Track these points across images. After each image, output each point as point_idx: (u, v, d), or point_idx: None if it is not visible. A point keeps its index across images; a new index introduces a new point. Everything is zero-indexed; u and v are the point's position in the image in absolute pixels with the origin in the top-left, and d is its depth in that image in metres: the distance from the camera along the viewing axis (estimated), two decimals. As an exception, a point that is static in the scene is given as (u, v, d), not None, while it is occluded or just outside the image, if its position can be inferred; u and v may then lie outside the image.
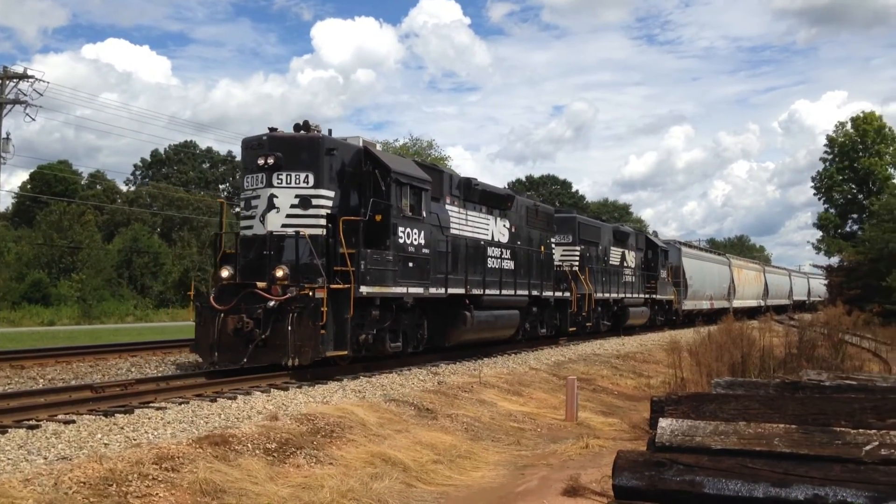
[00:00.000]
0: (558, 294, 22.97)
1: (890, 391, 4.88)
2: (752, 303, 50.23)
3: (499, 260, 19.12)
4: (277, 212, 13.49)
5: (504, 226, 19.81)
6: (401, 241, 14.61)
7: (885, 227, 45.82)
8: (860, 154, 62.64)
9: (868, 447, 3.77)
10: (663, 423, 4.18)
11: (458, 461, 9.51)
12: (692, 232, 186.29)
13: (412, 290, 15.00)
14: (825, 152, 65.56)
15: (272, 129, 14.08)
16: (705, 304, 41.08)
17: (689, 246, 44.56)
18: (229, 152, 75.69)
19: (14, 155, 38.90)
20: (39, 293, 44.70)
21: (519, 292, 20.02)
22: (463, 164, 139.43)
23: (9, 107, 37.86)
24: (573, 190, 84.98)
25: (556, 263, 23.77)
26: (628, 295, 30.11)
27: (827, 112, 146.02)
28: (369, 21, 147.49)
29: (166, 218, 61.28)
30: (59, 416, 9.18)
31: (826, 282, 56.92)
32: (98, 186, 67.12)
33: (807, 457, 3.79)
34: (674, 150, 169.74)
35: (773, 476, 3.65)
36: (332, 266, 13.30)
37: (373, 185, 14.33)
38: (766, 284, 55.44)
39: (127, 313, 43.36)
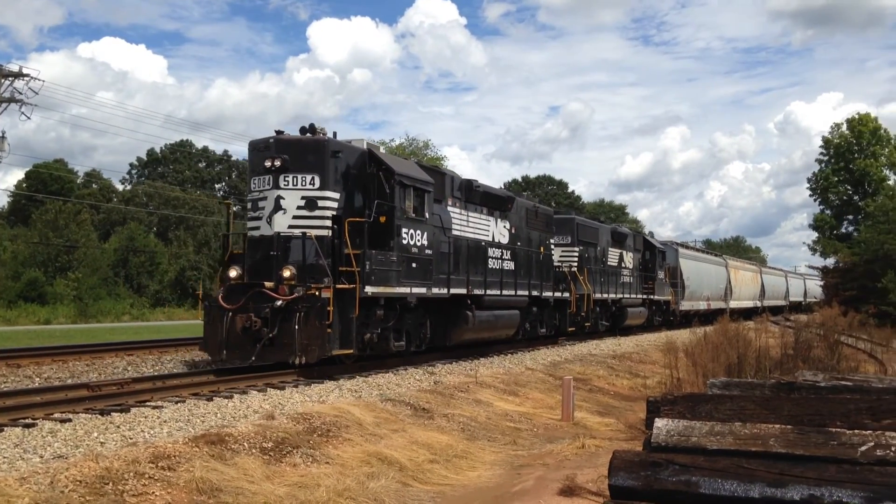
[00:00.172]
0: (557, 294, 23.16)
1: (885, 392, 4.89)
2: (749, 304, 50.33)
3: (499, 260, 19.33)
4: (284, 213, 13.72)
5: (504, 227, 20.02)
6: (404, 241, 14.87)
7: (881, 228, 45.93)
8: (856, 155, 62.76)
9: (863, 448, 3.79)
10: (659, 423, 4.19)
11: (455, 461, 9.51)
12: (688, 233, 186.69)
13: (415, 290, 15.22)
14: (821, 153, 65.66)
15: (279, 132, 14.26)
16: (702, 305, 41.18)
17: (687, 247, 44.68)
18: (225, 151, 75.81)
19: (10, 153, 39.00)
20: (35, 292, 44.63)
21: (519, 292, 20.23)
22: (459, 164, 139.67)
23: (4, 105, 37.73)
24: (569, 190, 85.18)
25: (555, 264, 23.96)
26: (626, 295, 30.26)
27: (822, 113, 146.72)
28: (365, 21, 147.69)
29: (162, 217, 61.23)
30: (56, 415, 9.18)
31: (822, 283, 57.02)
32: (94, 185, 67.10)
33: (802, 457, 3.80)
34: (670, 151, 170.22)
35: (768, 476, 3.66)
36: (338, 266, 13.52)
37: (377, 187, 14.55)
38: (762, 285, 55.55)
39: (123, 312, 43.30)
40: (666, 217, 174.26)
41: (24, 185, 62.57)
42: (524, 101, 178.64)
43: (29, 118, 38.26)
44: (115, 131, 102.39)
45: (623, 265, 30.51)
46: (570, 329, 24.56)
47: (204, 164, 74.93)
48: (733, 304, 46.17)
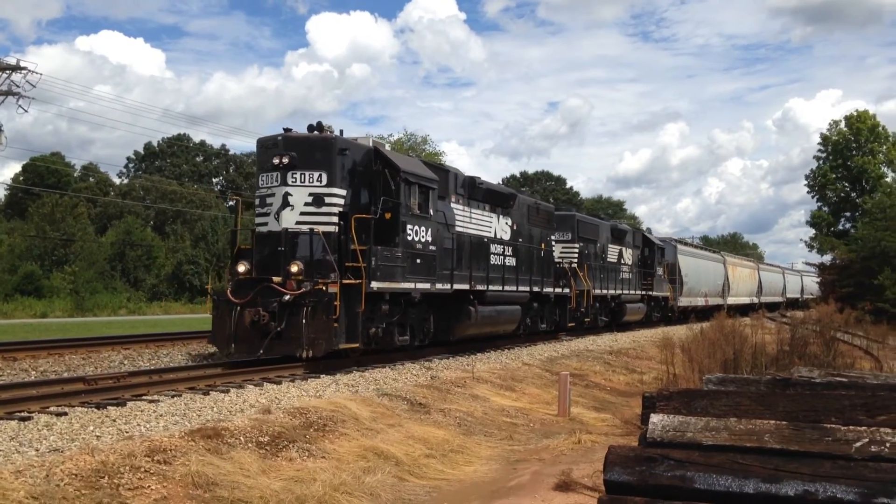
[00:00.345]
0: (558, 290, 23.35)
1: (880, 388, 4.90)
2: (746, 300, 50.43)
3: (501, 257, 19.54)
4: (292, 209, 13.94)
5: (506, 223, 20.20)
6: (409, 238, 15.09)
7: (878, 225, 45.98)
8: (854, 153, 62.80)
9: (858, 444, 3.79)
10: (654, 418, 4.19)
11: (451, 455, 9.52)
12: (686, 229, 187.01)
13: (420, 285, 15.42)
14: (819, 150, 65.68)
15: (287, 130, 14.50)
16: (700, 301, 41.30)
17: (685, 244, 44.77)
18: (223, 146, 75.71)
19: (6, 146, 38.88)
20: (32, 285, 44.59)
21: (520, 288, 20.42)
22: (457, 159, 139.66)
23: (2, 98, 37.68)
24: (567, 186, 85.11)
25: (555, 260, 24.14)
26: (625, 291, 30.43)
27: (821, 110, 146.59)
28: (364, 15, 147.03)
29: (159, 211, 61.18)
30: (52, 408, 9.17)
31: (819, 280, 57.10)
32: (91, 179, 66.98)
33: (797, 453, 3.80)
34: (668, 147, 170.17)
35: (763, 472, 3.66)
36: (344, 262, 13.75)
37: (383, 184, 14.76)
38: (759, 282, 55.64)
39: (120, 306, 43.24)
40: (664, 213, 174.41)
41: (21, 178, 62.52)
42: (523, 97, 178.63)
43: (26, 111, 38.31)
44: (113, 125, 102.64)
45: (622, 262, 30.66)
46: (569, 324, 24.74)
47: (201, 158, 74.81)
48: (731, 300, 46.25)
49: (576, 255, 25.63)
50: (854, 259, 45.49)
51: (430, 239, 15.78)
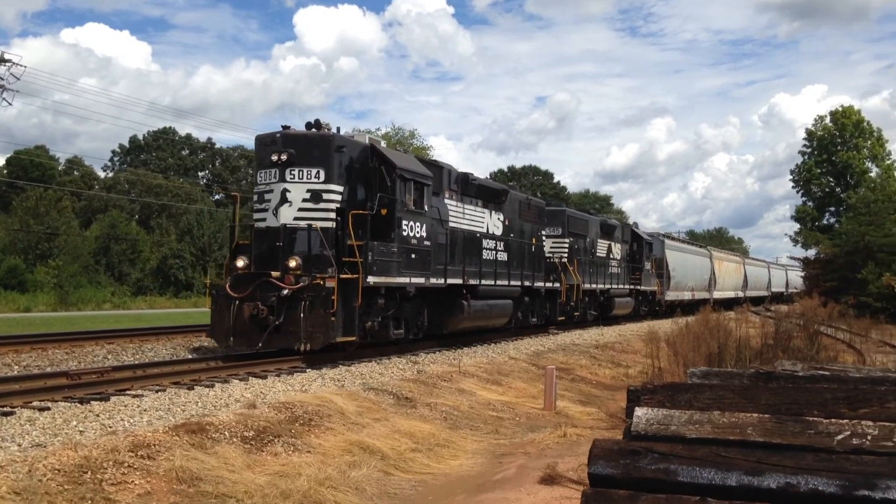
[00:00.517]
0: (549, 285, 23.67)
1: (862, 382, 4.93)
2: (732, 294, 50.78)
3: (494, 252, 19.82)
4: (290, 205, 14.15)
5: (498, 219, 20.45)
6: (405, 233, 15.35)
7: (862, 220, 46.35)
8: (838, 148, 63.21)
9: (840, 437, 3.81)
10: (639, 412, 4.20)
11: (437, 450, 9.53)
12: (672, 224, 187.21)
13: (414, 280, 15.69)
14: (804, 146, 66.10)
15: (285, 127, 14.79)
16: (687, 295, 41.57)
17: (673, 238, 45.02)
18: (209, 139, 75.27)
19: (-10, 139, 38.32)
20: (15, 279, 44.25)
21: (512, 283, 20.73)
22: (445, 153, 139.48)
23: (-15, 90, 37.26)
24: (555, 181, 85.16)
25: (546, 255, 24.36)
26: (614, 286, 30.77)
27: (806, 106, 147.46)
28: (352, 9, 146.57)
29: (144, 205, 60.83)
30: (34, 403, 9.10)
31: (803, 274, 57.51)
32: (76, 172, 66.48)
33: (780, 446, 3.82)
34: (655, 142, 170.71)
35: (746, 464, 3.68)
36: (341, 257, 13.98)
37: (379, 181, 15.02)
38: (745, 276, 55.98)
39: (104, 300, 42.98)
40: (650, 208, 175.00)
41: (5, 171, 61.90)
42: (511, 91, 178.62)
43: (10, 104, 37.75)
44: (98, 118, 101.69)
45: (611, 256, 30.99)
46: (560, 318, 25.04)
47: (187, 151, 74.41)
48: (717, 294, 46.55)
49: (566, 250, 25.91)
50: (838, 254, 45.86)
51: (424, 234, 16.05)
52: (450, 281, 17.12)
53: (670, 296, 38.76)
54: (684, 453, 3.81)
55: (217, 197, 71.00)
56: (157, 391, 10.35)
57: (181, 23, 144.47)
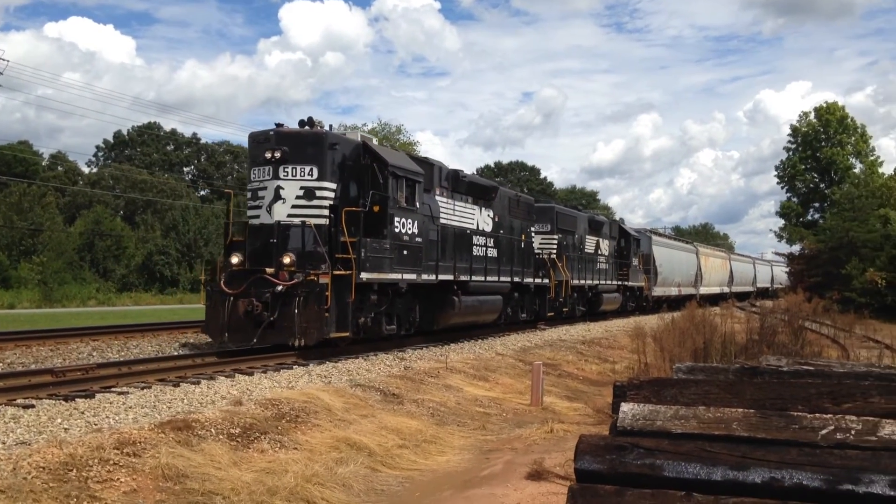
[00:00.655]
0: (538, 280, 23.83)
1: (846, 377, 4.97)
2: (718, 290, 51.03)
3: (484, 248, 19.99)
4: (284, 202, 14.34)
5: (488, 215, 20.62)
6: (397, 230, 15.52)
7: (846, 216, 46.73)
8: (823, 144, 63.65)
9: (824, 431, 3.84)
10: (625, 407, 4.22)
11: (424, 446, 9.53)
12: (658, 219, 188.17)
13: (406, 276, 15.84)
14: (789, 142, 66.55)
15: (279, 125, 14.91)
16: (674, 291, 41.80)
17: (660, 234, 45.25)
18: (194, 134, 74.85)
19: (-28, 134, 37.99)
20: (-1, 276, 43.90)
21: (502, 279, 20.90)
22: (432, 149, 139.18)
23: (-34, 85, 36.91)
24: (541, 177, 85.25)
25: (535, 251, 24.55)
26: (602, 282, 31.02)
27: (791, 102, 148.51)
28: (338, 4, 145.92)
29: (129, 200, 60.43)
30: (19, 401, 9.04)
31: (788, 269, 57.88)
32: (59, 168, 65.94)
33: (764, 441, 3.84)
34: (641, 138, 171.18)
35: (731, 459, 3.70)
36: (335, 253, 14.12)
37: (371, 178, 15.16)
38: (731, 272, 56.28)
39: (89, 297, 42.70)
40: (636, 204, 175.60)
41: (-12, 167, 61.30)
42: (497, 87, 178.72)
43: (-8, 99, 37.45)
44: (82, 113, 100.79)
45: (599, 252, 31.23)
46: (549, 314, 25.24)
47: (172, 146, 73.95)
48: (703, 290, 46.79)
49: (555, 247, 26.11)
50: (822, 249, 46.21)
51: (416, 231, 16.24)
52: (441, 277, 17.28)
53: (657, 291, 39.02)
54: (670, 448, 3.83)
55: (203, 193, 70.68)
56: (142, 388, 10.30)
57: (166, 17, 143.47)
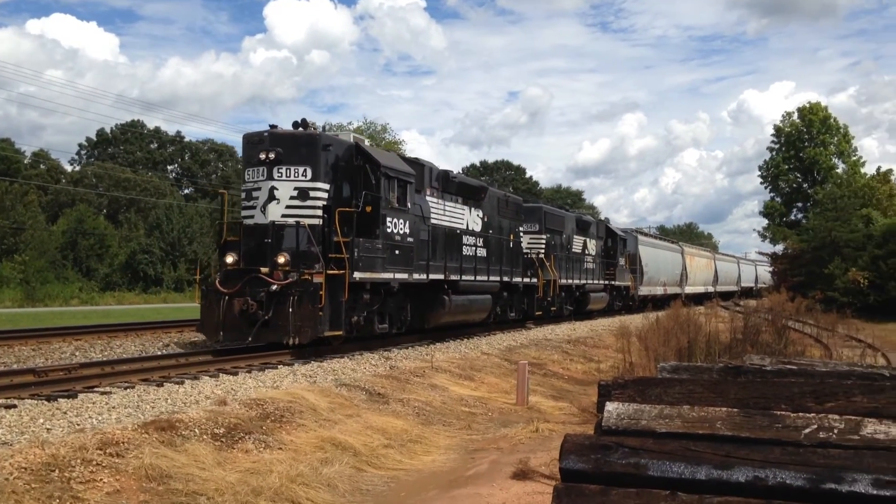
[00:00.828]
0: (526, 280, 24.09)
1: (829, 376, 5.00)
2: (703, 289, 51.31)
3: (473, 248, 20.22)
4: (278, 203, 14.51)
5: (478, 215, 20.82)
6: (389, 230, 15.74)
7: (829, 216, 47.08)
8: (806, 144, 64.09)
9: (807, 430, 3.86)
10: (610, 406, 4.23)
11: (409, 446, 9.53)
12: (643, 219, 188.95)
13: (398, 275, 16.09)
14: (772, 142, 66.96)
15: (273, 126, 15.16)
16: (659, 290, 42.04)
17: (645, 234, 45.51)
18: (178, 132, 74.39)
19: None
20: (-20, 275, 43.45)
21: (491, 278, 21.15)
22: (417, 148, 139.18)
23: (-53, 82, 36.53)
24: (527, 176, 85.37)
25: (524, 251, 24.77)
26: (589, 281, 31.28)
27: (775, 102, 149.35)
28: (324, 1, 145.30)
29: (112, 199, 60.01)
30: (0, 401, 8.95)
31: (771, 269, 58.24)
32: (42, 166, 65.29)
33: (748, 440, 3.86)
34: (626, 138, 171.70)
35: (715, 458, 3.72)
36: (328, 253, 14.25)
37: (363, 179, 15.37)
38: (716, 271, 56.60)
39: (71, 296, 42.36)
40: (622, 203, 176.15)
41: (-31, 165, 60.68)
42: (483, 86, 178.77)
43: (-27, 96, 37.08)
44: (65, 111, 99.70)
45: (587, 252, 31.48)
46: (537, 313, 25.46)
47: (156, 145, 73.50)
48: (688, 289, 47.04)
49: (543, 246, 26.34)
50: (805, 249, 46.53)
51: (407, 231, 16.46)
52: (432, 276, 17.51)
53: (643, 291, 39.27)
54: (654, 448, 3.84)
55: (187, 191, 70.30)
56: (125, 388, 10.24)
57: (149, 14, 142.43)
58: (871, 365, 8.49)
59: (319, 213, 14.56)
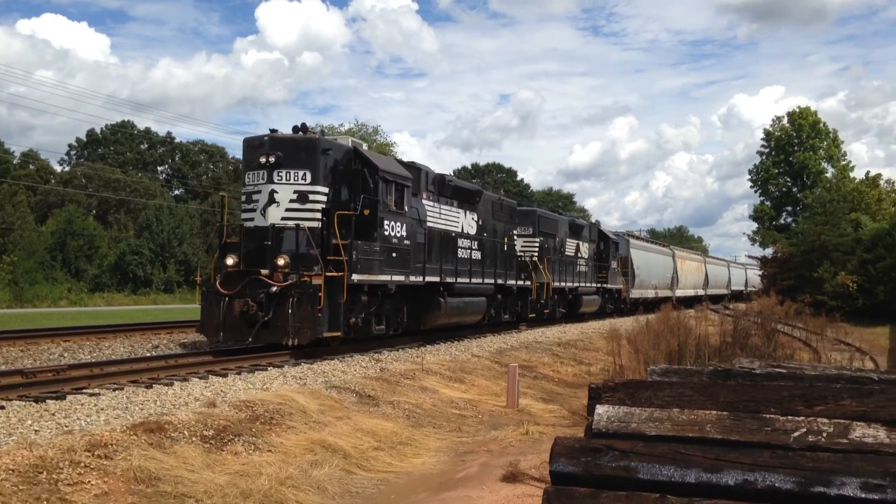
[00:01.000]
0: (520, 283, 24.26)
1: (818, 379, 5.02)
2: (693, 292, 51.48)
3: (468, 251, 20.42)
4: (278, 206, 14.68)
5: (472, 219, 21.02)
6: (386, 233, 15.98)
7: (818, 219, 47.32)
8: (795, 148, 64.44)
9: (796, 434, 3.87)
10: (600, 409, 4.23)
11: (399, 448, 9.51)
12: (633, 222, 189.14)
13: (395, 277, 16.32)
14: (762, 146, 67.32)
15: (273, 131, 15.34)
16: (651, 293, 42.19)
17: (637, 238, 45.68)
18: (168, 133, 74.13)
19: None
20: (-32, 275, 43.15)
21: (486, 281, 21.36)
22: (409, 150, 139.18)
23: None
24: (518, 178, 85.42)
25: (517, 254, 24.95)
26: (582, 284, 31.50)
27: (765, 106, 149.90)
28: (316, 3, 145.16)
29: (102, 200, 59.73)
30: (-13, 403, 8.90)
31: (761, 273, 58.47)
32: (31, 166, 64.90)
33: (737, 443, 3.87)
34: (617, 141, 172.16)
35: (704, 462, 3.72)
36: (327, 255, 14.45)
37: (362, 182, 15.63)
38: (706, 275, 56.77)
39: (60, 297, 42.17)
40: (612, 206, 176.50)
41: (-43, 165, 60.27)
42: (475, 89, 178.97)
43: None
44: (55, 111, 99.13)
45: (579, 255, 31.71)
46: (531, 315, 25.60)
47: (146, 145, 73.20)
48: (679, 292, 47.20)
49: (536, 249, 26.54)
50: (795, 253, 46.73)
51: (404, 234, 16.69)
52: (428, 279, 17.76)
53: (635, 294, 39.44)
54: (644, 451, 3.84)
55: (177, 192, 70.05)
56: (114, 390, 10.19)
57: (140, 15, 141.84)
58: (859, 369, 8.52)
59: (319, 216, 14.75)
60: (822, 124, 64.63)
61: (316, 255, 14.24)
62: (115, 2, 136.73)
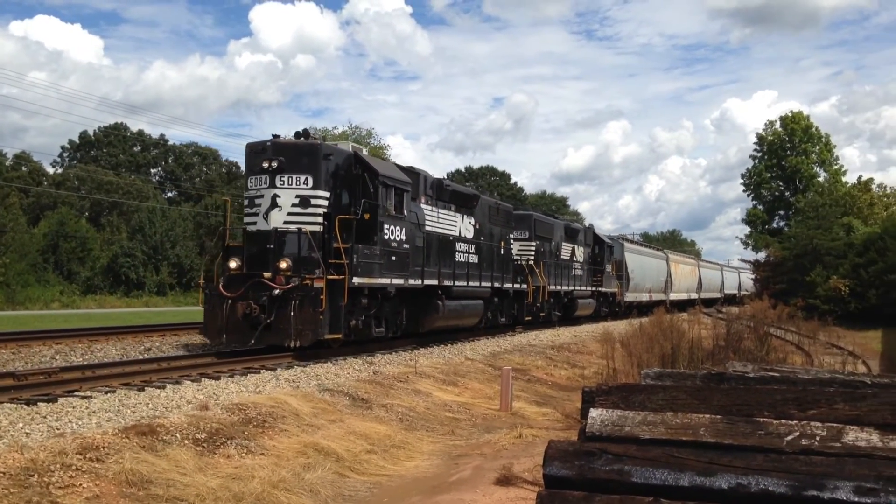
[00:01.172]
0: (516, 286, 24.48)
1: (811, 383, 5.03)
2: (686, 296, 51.61)
3: (466, 254, 20.65)
4: (280, 210, 14.92)
5: (470, 223, 21.24)
6: (386, 237, 16.22)
7: (810, 223, 47.47)
8: (788, 153, 64.64)
9: (789, 437, 3.87)
10: (593, 413, 4.22)
11: (392, 451, 9.49)
12: (627, 225, 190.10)
13: (395, 281, 16.55)
14: (755, 150, 67.47)
15: (275, 136, 15.51)
16: (645, 297, 42.33)
17: (631, 241, 45.84)
18: (162, 135, 73.97)
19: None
20: (-40, 277, 42.93)
21: (483, 284, 21.60)
22: (403, 153, 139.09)
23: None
24: (512, 182, 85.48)
25: (514, 257, 25.11)
26: (577, 287, 31.69)
27: (757, 111, 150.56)
28: (310, 6, 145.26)
29: (95, 202, 59.55)
30: (-22, 406, 8.85)
31: (754, 276, 58.60)
32: (24, 168, 64.70)
33: (731, 447, 3.87)
34: (611, 145, 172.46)
35: (698, 465, 3.72)
36: (328, 259, 14.63)
37: (362, 187, 15.86)
38: (700, 278, 56.92)
39: (52, 299, 42.00)
40: (606, 210, 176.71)
41: (-51, 166, 60.02)
42: (469, 92, 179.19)
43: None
44: (48, 113, 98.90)
45: (575, 259, 31.90)
46: (527, 318, 25.79)
47: (139, 148, 73.00)
48: (673, 296, 47.32)
49: (533, 253, 26.71)
50: (787, 257, 46.82)
51: (403, 238, 16.90)
52: (426, 282, 17.99)
53: (629, 297, 39.61)
54: (638, 454, 3.84)
55: (170, 194, 69.88)
56: (106, 392, 10.14)
57: (134, 17, 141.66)
58: (852, 373, 8.55)
59: (320, 220, 14.92)
60: (814, 129, 64.82)
61: (317, 259, 14.40)
62: (108, 3, 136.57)
